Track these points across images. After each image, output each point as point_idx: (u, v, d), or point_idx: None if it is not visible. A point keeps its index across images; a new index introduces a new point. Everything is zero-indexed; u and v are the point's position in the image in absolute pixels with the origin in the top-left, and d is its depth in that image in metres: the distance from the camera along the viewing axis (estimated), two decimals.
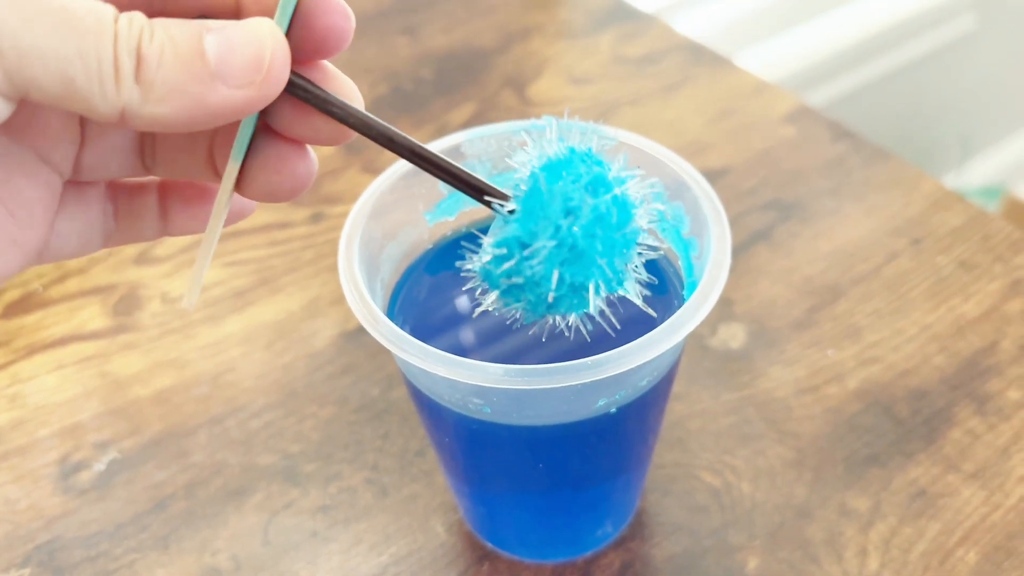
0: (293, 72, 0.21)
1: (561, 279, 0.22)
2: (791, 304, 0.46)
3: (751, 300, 0.46)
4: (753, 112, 0.58)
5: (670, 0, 1.02)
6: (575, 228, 0.21)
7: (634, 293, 0.23)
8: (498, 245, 0.22)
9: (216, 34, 0.19)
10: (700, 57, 0.62)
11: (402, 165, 0.32)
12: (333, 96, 0.21)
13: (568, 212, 0.21)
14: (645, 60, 0.63)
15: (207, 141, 0.23)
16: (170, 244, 0.51)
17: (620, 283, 0.23)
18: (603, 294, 0.23)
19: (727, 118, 0.57)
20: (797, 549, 0.37)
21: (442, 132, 0.57)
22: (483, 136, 0.33)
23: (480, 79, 0.62)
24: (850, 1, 1.16)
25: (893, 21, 1.17)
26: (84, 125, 0.22)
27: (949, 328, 0.44)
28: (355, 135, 0.22)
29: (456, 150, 0.32)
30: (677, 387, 0.42)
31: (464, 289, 0.33)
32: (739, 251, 0.48)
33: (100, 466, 0.41)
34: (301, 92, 0.21)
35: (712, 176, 0.52)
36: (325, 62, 0.22)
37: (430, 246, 0.34)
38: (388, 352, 0.44)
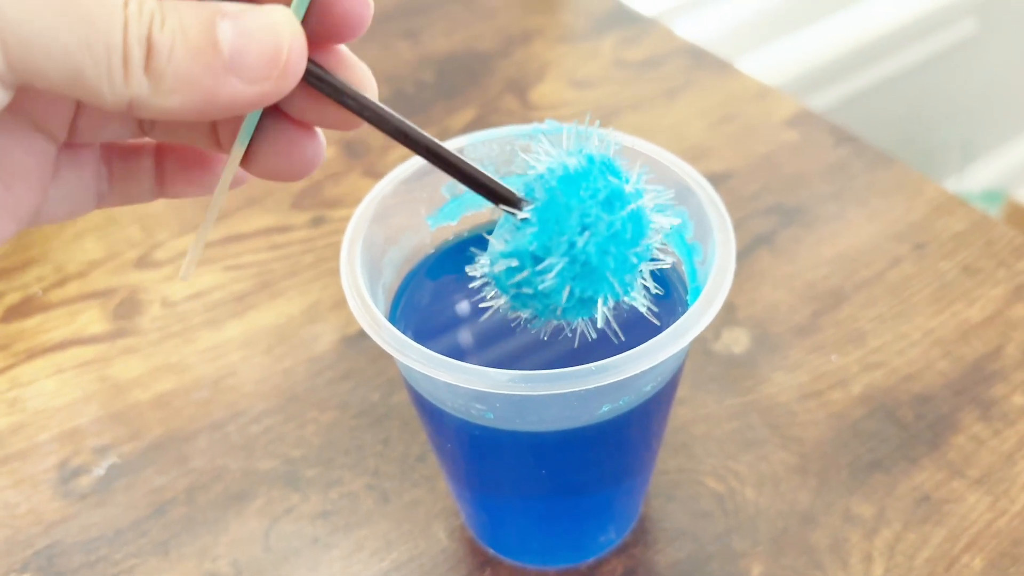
0: (308, 60, 0.20)
1: (571, 293, 0.22)
2: (794, 309, 0.46)
3: (754, 305, 0.46)
4: (755, 116, 0.57)
5: (671, 4, 1.02)
6: (590, 246, 0.21)
7: (640, 302, 0.23)
8: (510, 255, 0.22)
9: (231, 21, 0.18)
10: (702, 61, 0.62)
11: (404, 169, 0.32)
12: (348, 87, 0.21)
13: (584, 228, 0.21)
14: (646, 64, 0.62)
15: None
16: (171, 248, 0.50)
17: (628, 293, 0.23)
18: (611, 304, 0.23)
19: (729, 122, 0.57)
20: (801, 555, 0.36)
21: (443, 136, 0.57)
22: (486, 140, 0.32)
23: (481, 83, 0.61)
24: (851, 5, 1.15)
25: (894, 25, 1.17)
26: None
27: (953, 333, 0.44)
28: (365, 123, 0.22)
29: (459, 154, 0.32)
30: (680, 392, 0.42)
31: (466, 294, 0.33)
32: (742, 256, 0.48)
33: (100, 471, 0.40)
34: (315, 81, 0.20)
35: (714, 181, 0.52)
36: (340, 46, 0.21)
37: (432, 251, 0.34)
38: (389, 357, 0.44)
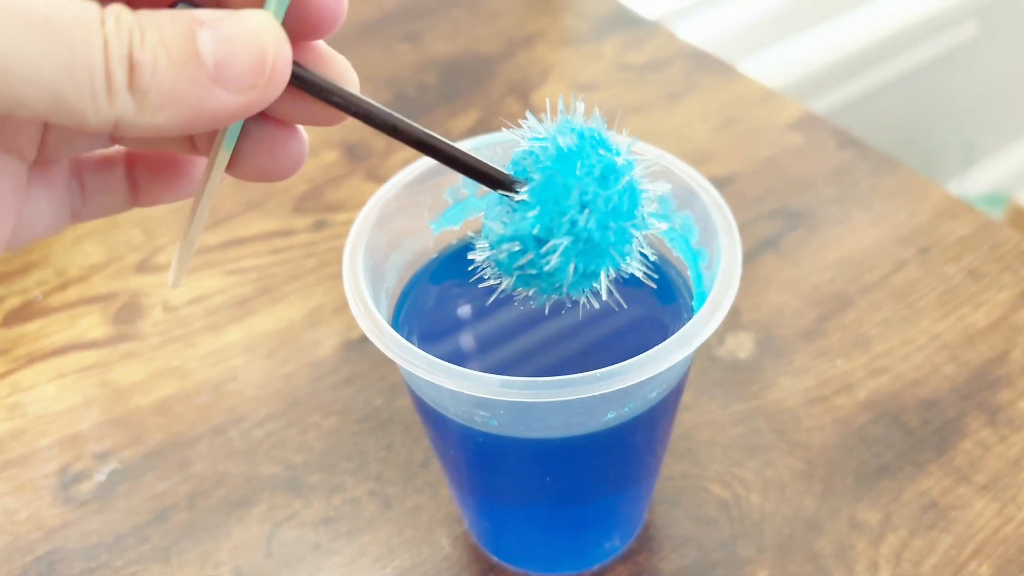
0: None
1: (575, 269, 0.22)
2: (799, 313, 0.45)
3: (759, 309, 0.46)
4: (758, 120, 0.57)
5: (674, 7, 1.02)
6: (591, 223, 0.21)
7: (637, 268, 0.23)
8: (512, 239, 0.22)
9: (210, 31, 0.18)
10: (704, 64, 0.62)
11: (407, 173, 0.32)
12: (332, 84, 0.20)
13: (584, 206, 0.21)
14: (649, 67, 0.62)
15: None
16: (172, 252, 0.50)
17: (627, 262, 0.23)
18: (612, 274, 0.23)
19: (732, 126, 0.57)
20: (807, 562, 0.36)
21: (446, 139, 0.57)
22: (489, 144, 0.32)
23: (484, 86, 0.61)
24: (852, 8, 1.15)
25: (895, 28, 1.17)
26: None
27: (959, 337, 0.44)
28: (349, 117, 0.21)
29: None
30: (685, 398, 0.41)
31: (470, 298, 0.33)
32: (746, 260, 0.48)
33: (100, 476, 0.40)
34: (299, 82, 0.20)
35: (717, 184, 0.52)
36: (318, 42, 0.21)
37: (435, 255, 0.34)
38: (391, 362, 0.43)
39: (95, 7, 0.17)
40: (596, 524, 0.35)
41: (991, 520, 0.37)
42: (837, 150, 0.55)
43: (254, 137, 0.22)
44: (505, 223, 0.22)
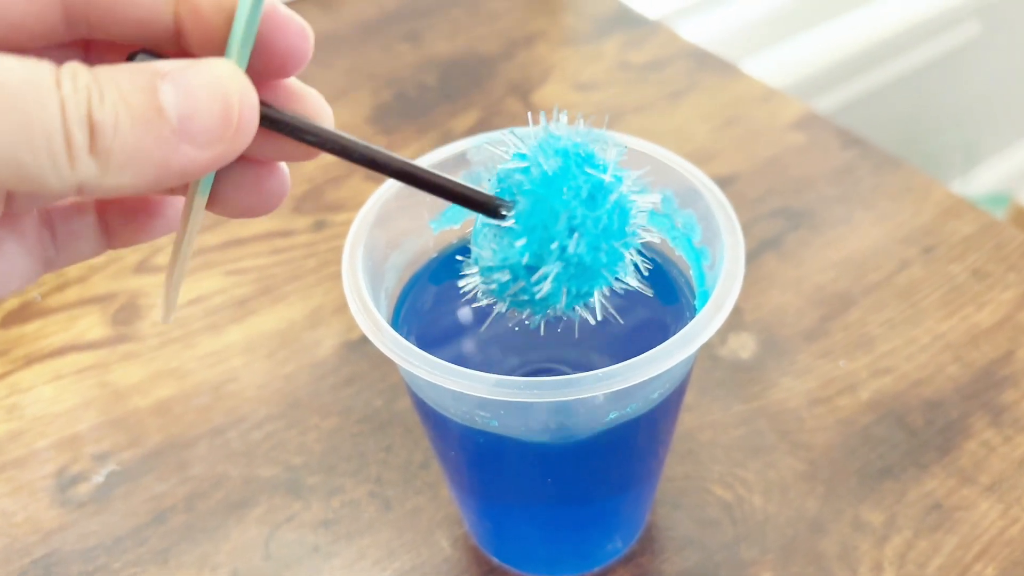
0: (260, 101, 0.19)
1: (568, 291, 0.22)
2: (802, 313, 0.45)
3: (761, 309, 0.45)
4: (760, 119, 0.57)
5: (675, 6, 1.01)
6: (581, 247, 0.21)
7: (632, 281, 0.23)
8: (501, 268, 0.22)
9: (172, 83, 0.17)
10: (706, 63, 0.62)
11: None
12: (305, 122, 0.20)
13: (572, 230, 0.21)
14: (650, 66, 0.62)
15: None
16: (171, 252, 0.50)
17: (620, 277, 0.23)
18: (606, 291, 0.23)
19: (733, 125, 0.57)
20: (810, 564, 0.36)
21: (446, 139, 0.56)
22: (490, 142, 0.32)
23: (484, 85, 0.61)
24: (853, 8, 1.15)
25: (897, 28, 1.16)
26: None
27: (963, 337, 0.43)
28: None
29: (462, 157, 0.32)
30: (686, 398, 0.41)
31: (470, 298, 0.33)
32: (748, 260, 0.47)
33: (99, 478, 0.40)
34: (270, 124, 0.19)
35: (719, 184, 0.52)
36: (287, 80, 0.20)
37: (435, 255, 0.34)
38: (391, 362, 0.43)
39: (49, 67, 0.16)
40: (597, 526, 0.34)
41: (996, 521, 0.37)
42: (840, 149, 0.54)
43: (232, 179, 0.21)
44: (494, 250, 0.22)
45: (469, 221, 0.34)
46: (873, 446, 0.39)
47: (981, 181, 1.36)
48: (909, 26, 1.17)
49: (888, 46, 1.17)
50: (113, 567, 0.37)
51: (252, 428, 0.41)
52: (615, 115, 0.58)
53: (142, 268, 0.49)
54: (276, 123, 0.19)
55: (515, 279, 0.22)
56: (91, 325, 0.46)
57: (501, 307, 0.23)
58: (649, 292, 0.23)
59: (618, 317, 0.23)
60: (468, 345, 0.32)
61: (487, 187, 0.23)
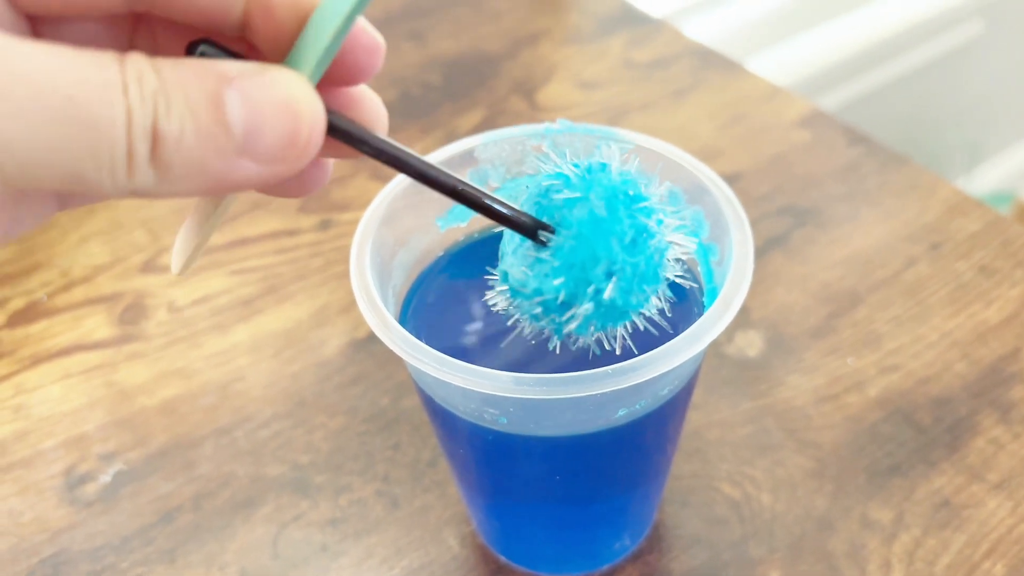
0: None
1: (593, 328, 0.23)
2: (809, 311, 0.45)
3: (768, 307, 0.45)
4: (765, 117, 0.57)
5: (679, 5, 1.01)
6: (615, 292, 0.21)
7: (654, 313, 0.23)
8: (533, 296, 0.22)
9: (240, 94, 0.16)
10: (710, 62, 0.62)
11: None
12: (363, 131, 0.19)
13: (610, 275, 0.21)
14: (655, 65, 0.62)
15: None
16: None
17: (642, 315, 0.23)
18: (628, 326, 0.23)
19: (738, 123, 0.57)
20: (819, 562, 0.36)
21: (450, 138, 0.56)
22: (497, 140, 0.32)
23: (488, 84, 0.61)
24: (857, 7, 1.15)
25: (901, 26, 1.16)
26: None
27: (970, 334, 0.43)
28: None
29: (470, 155, 0.32)
30: (694, 396, 0.41)
31: (478, 295, 0.32)
32: (755, 257, 0.47)
33: (106, 478, 0.40)
34: (331, 131, 0.19)
35: (724, 182, 0.52)
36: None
37: (442, 252, 0.34)
38: (398, 360, 0.43)
39: (116, 68, 0.16)
40: (606, 524, 0.34)
41: (1005, 519, 0.37)
42: (845, 147, 0.54)
43: None
44: (528, 275, 0.22)
45: (476, 219, 0.34)
46: (881, 444, 0.39)
47: (985, 179, 1.36)
48: (912, 25, 1.17)
49: (891, 45, 1.16)
50: (121, 567, 0.37)
51: (259, 427, 0.41)
52: (619, 114, 0.58)
53: (148, 268, 0.49)
54: (335, 130, 0.19)
55: (547, 312, 0.22)
56: (97, 325, 0.46)
57: (524, 324, 0.24)
58: (669, 325, 0.24)
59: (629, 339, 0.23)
60: (477, 342, 0.31)
61: (524, 193, 0.23)
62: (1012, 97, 1.36)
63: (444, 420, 0.30)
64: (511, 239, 0.23)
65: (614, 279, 0.21)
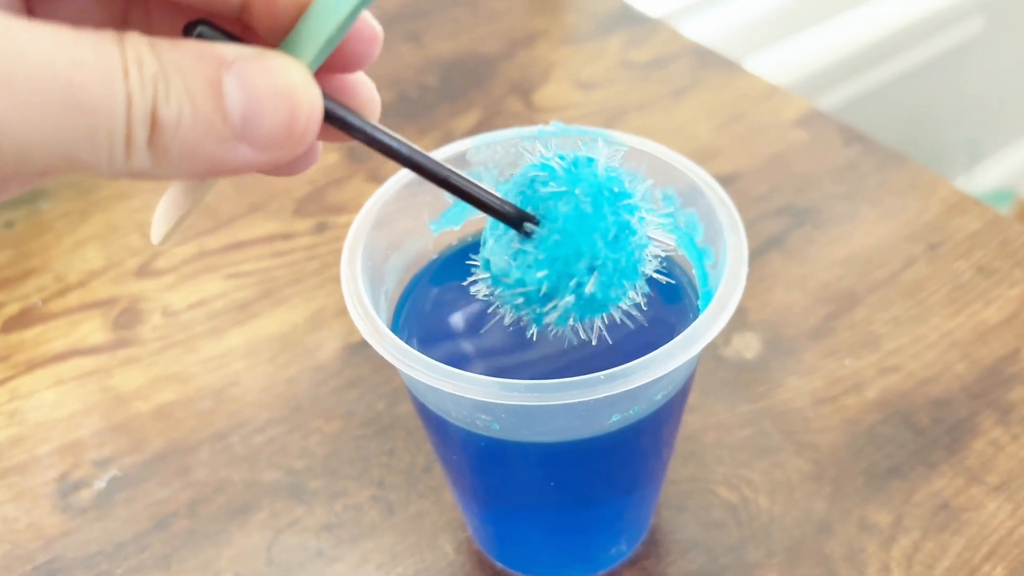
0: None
1: (573, 319, 0.23)
2: (807, 312, 0.45)
3: (765, 308, 0.45)
4: (763, 117, 0.57)
5: (677, 5, 1.01)
6: (596, 286, 0.22)
7: (631, 306, 0.23)
8: (515, 286, 0.22)
9: (238, 79, 0.16)
10: (708, 61, 0.61)
11: (407, 173, 0.31)
12: (356, 119, 0.19)
13: (592, 269, 0.22)
14: (652, 65, 0.62)
15: None
16: (172, 256, 0.50)
17: (620, 308, 0.23)
18: (605, 318, 0.23)
19: (736, 123, 0.56)
20: (817, 566, 0.35)
21: (447, 139, 0.56)
22: (489, 143, 0.32)
23: (485, 85, 0.61)
24: (856, 5, 1.15)
25: (900, 24, 1.16)
26: None
27: (970, 335, 0.43)
28: None
29: (462, 157, 0.32)
30: (690, 399, 0.41)
31: (471, 300, 0.32)
32: (752, 258, 0.47)
33: (100, 484, 0.40)
34: (326, 117, 0.19)
35: (722, 182, 0.51)
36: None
37: (435, 256, 0.34)
38: (393, 365, 0.43)
39: (116, 51, 0.16)
40: (602, 529, 0.34)
41: (1005, 521, 0.36)
42: (843, 146, 0.54)
43: None
44: (511, 264, 0.22)
45: (469, 222, 0.33)
46: (880, 446, 0.39)
47: (985, 178, 1.36)
48: (912, 23, 1.16)
49: (891, 43, 1.16)
50: (115, 573, 0.37)
51: (254, 432, 0.41)
52: (617, 114, 0.58)
53: (143, 273, 0.49)
54: (330, 117, 0.19)
55: (528, 303, 0.23)
56: (92, 330, 0.46)
57: (504, 311, 0.24)
58: (644, 322, 0.24)
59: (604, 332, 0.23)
60: (470, 347, 0.31)
61: (510, 181, 0.23)
62: (1012, 95, 1.35)
63: (437, 426, 0.30)
64: (495, 227, 0.23)
65: (596, 274, 0.22)
